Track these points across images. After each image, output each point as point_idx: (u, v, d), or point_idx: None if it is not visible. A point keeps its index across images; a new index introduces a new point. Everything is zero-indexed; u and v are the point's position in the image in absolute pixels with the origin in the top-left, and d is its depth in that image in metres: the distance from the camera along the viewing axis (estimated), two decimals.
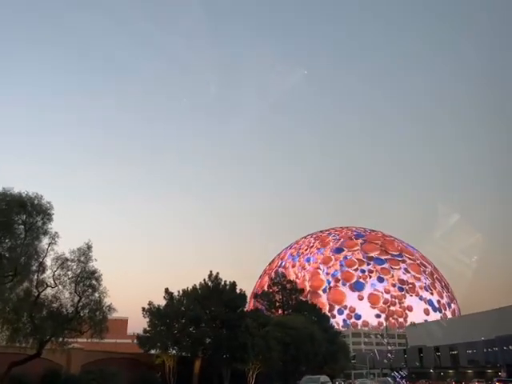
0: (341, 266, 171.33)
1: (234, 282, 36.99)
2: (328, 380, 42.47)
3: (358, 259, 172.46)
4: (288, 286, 59.33)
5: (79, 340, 24.43)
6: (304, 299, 60.46)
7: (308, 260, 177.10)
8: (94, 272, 21.52)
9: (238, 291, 37.84)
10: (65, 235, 20.85)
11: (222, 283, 36.40)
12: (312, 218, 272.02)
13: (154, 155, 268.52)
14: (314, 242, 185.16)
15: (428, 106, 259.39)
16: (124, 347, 41.61)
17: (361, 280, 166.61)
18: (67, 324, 21.17)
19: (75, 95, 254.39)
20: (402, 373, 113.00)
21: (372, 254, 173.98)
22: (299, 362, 48.04)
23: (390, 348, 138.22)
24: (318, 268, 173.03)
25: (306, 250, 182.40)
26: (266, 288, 59.08)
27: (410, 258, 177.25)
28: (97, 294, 21.55)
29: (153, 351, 35.33)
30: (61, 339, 21.20)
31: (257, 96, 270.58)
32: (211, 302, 34.61)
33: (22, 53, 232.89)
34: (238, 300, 36.46)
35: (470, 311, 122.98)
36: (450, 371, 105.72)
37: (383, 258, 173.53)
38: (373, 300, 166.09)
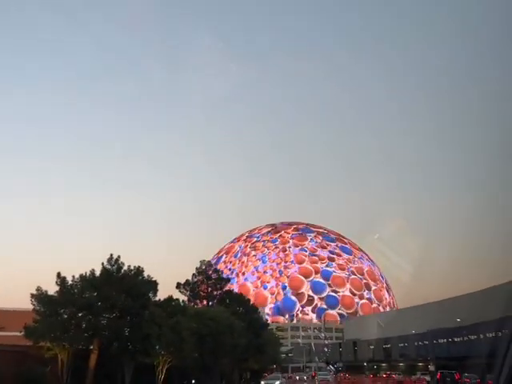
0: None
1: (140, 267, 33.50)
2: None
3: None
4: (213, 275, 56.22)
5: None
6: (230, 289, 57.42)
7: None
8: None
9: (145, 278, 34.37)
10: None
11: (126, 268, 32.82)
12: (254, 213, 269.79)
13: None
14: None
15: (378, 99, 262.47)
16: (15, 339, 37.12)
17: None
18: None
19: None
20: (336, 366, 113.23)
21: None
22: (217, 354, 45.15)
23: (326, 342, 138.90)
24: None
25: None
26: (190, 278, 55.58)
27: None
28: None
29: (43, 343, 31.28)
30: None
31: (206, 87, 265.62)
32: (111, 288, 30.95)
33: None
34: (143, 287, 32.93)
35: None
36: (383, 364, 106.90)
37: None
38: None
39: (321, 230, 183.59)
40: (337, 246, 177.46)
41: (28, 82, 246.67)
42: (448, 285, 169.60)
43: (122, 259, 33.11)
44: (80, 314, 30.29)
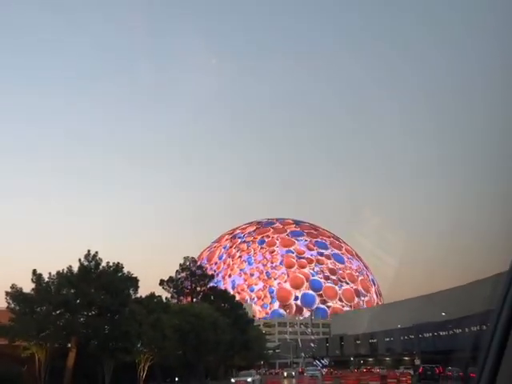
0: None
1: (119, 263, 32.74)
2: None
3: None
4: (198, 272, 55.54)
5: None
6: (214, 286, 56.81)
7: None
8: None
9: (125, 274, 33.65)
10: None
11: (104, 264, 32.03)
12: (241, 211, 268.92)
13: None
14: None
15: (363, 96, 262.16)
16: None
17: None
18: None
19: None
20: (323, 361, 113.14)
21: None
22: (201, 351, 44.58)
23: (313, 337, 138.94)
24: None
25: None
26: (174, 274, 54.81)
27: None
28: None
29: (19, 342, 30.42)
30: None
31: (193, 86, 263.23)
32: (89, 285, 30.16)
33: None
34: (122, 283, 32.18)
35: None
36: (370, 359, 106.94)
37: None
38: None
39: (310, 232, 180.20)
40: (329, 253, 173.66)
41: (24, 81, 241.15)
42: (434, 279, 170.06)
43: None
44: (57, 312, 29.46)
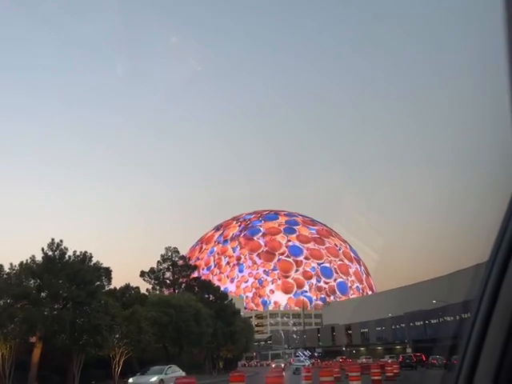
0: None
1: (86, 253, 30.85)
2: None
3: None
4: (180, 262, 53.75)
5: None
6: (198, 276, 54.98)
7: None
8: None
9: (96, 264, 31.77)
10: None
11: (71, 254, 30.12)
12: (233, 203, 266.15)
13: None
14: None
15: (355, 88, 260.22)
16: None
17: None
18: None
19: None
20: (306, 352, 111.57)
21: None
22: (181, 344, 42.94)
23: (295, 329, 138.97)
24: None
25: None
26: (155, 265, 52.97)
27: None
28: None
29: None
30: None
31: (175, 74, 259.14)
32: (53, 275, 28.26)
33: None
34: (89, 274, 30.27)
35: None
36: (362, 348, 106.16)
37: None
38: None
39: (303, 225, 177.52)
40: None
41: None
42: (424, 267, 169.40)
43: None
44: (19, 305, 27.52)
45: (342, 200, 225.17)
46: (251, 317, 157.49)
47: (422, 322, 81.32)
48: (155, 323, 38.41)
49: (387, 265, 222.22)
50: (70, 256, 30.03)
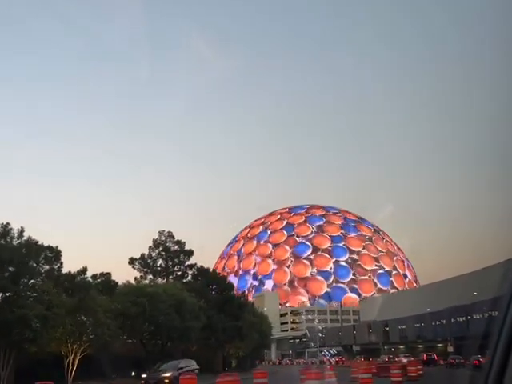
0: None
1: (7, 225, 24.97)
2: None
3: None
4: (174, 247, 47.61)
5: None
6: (195, 263, 48.45)
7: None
8: None
9: (27, 242, 25.90)
10: None
11: None
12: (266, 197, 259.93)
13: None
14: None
15: (372, 90, 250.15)
16: None
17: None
18: None
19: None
20: (332, 351, 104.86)
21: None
22: (159, 339, 36.80)
23: (320, 327, 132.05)
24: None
25: None
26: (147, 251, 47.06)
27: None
28: None
29: None
30: None
31: (193, 78, 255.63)
32: None
33: None
34: (9, 252, 24.31)
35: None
36: (401, 346, 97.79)
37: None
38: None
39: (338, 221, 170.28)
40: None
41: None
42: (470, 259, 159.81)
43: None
44: None
45: (388, 199, 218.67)
46: (286, 313, 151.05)
47: (464, 318, 72.26)
48: (121, 315, 32.40)
49: (428, 259, 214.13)
50: None
